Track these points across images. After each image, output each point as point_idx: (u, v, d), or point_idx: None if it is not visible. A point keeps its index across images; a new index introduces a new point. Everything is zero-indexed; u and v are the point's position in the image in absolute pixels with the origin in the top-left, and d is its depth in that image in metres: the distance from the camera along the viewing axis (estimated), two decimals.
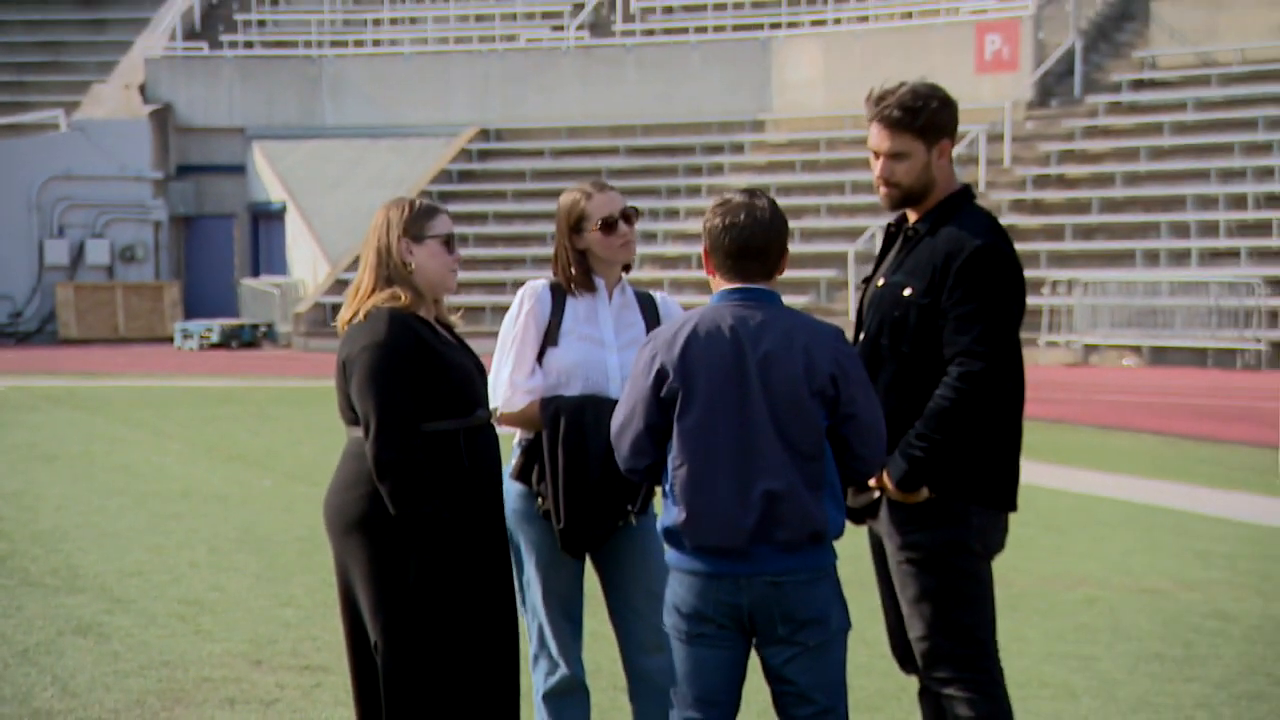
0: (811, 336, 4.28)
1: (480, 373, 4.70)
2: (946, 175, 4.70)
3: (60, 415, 18.52)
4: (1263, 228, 25.74)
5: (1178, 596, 8.64)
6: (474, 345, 4.87)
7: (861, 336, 4.70)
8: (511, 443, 5.06)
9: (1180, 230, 26.84)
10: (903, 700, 6.20)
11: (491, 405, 4.83)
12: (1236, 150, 27.82)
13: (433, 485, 4.43)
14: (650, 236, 30.59)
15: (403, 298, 4.52)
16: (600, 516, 4.85)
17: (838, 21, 33.50)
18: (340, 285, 32.26)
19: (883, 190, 4.73)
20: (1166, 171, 28.19)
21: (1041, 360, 24.35)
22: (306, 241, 33.88)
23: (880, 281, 4.74)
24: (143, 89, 36.18)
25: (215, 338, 32.29)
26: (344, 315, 4.57)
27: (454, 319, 4.75)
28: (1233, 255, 25.88)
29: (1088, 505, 11.83)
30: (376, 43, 36.56)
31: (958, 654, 4.56)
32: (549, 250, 5.29)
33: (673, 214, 31.46)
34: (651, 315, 5.13)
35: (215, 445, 15.42)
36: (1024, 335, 4.71)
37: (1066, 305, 25.94)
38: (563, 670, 5.02)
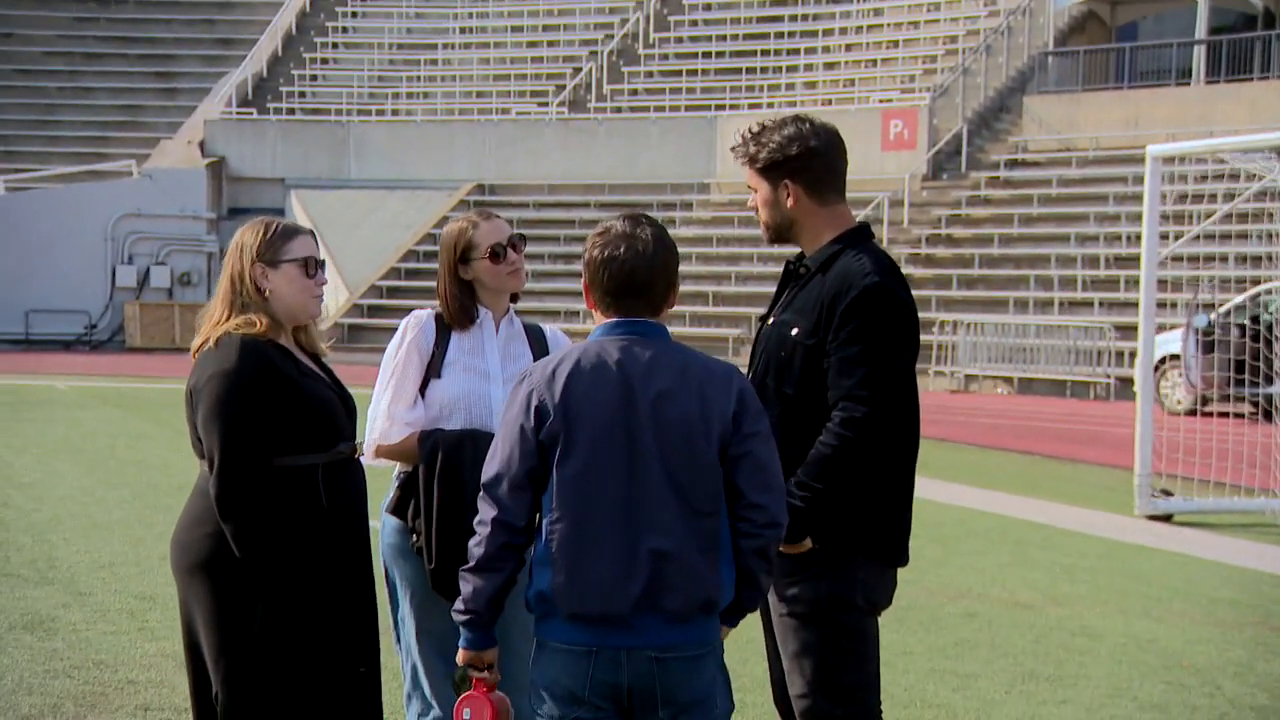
0: (707, 374, 3.00)
1: (346, 405, 3.49)
2: (813, 214, 3.53)
3: (101, 413, 17.23)
4: (1112, 283, 24.96)
5: (1048, 611, 7.52)
6: None
7: (751, 376, 3.52)
8: (390, 476, 3.91)
9: (1045, 283, 26.02)
10: None
11: (369, 437, 3.68)
12: (1091, 219, 27.00)
13: (283, 525, 3.24)
14: None
15: (258, 324, 3.33)
16: None
17: (771, 105, 32.58)
18: (356, 309, 31.14)
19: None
20: (1034, 235, 27.39)
21: (930, 387, 23.42)
22: (331, 272, 32.62)
23: (770, 320, 3.59)
24: (202, 145, 35.17)
25: None
26: (195, 342, 3.38)
27: (323, 347, 3.56)
28: (1088, 305, 25.07)
29: (967, 519, 10.68)
30: (395, 112, 35.53)
31: (837, 714, 3.39)
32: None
33: None
34: (540, 348, 3.96)
35: None
36: (915, 369, 3.53)
37: (952, 341, 25.01)
38: (435, 711, 3.80)
